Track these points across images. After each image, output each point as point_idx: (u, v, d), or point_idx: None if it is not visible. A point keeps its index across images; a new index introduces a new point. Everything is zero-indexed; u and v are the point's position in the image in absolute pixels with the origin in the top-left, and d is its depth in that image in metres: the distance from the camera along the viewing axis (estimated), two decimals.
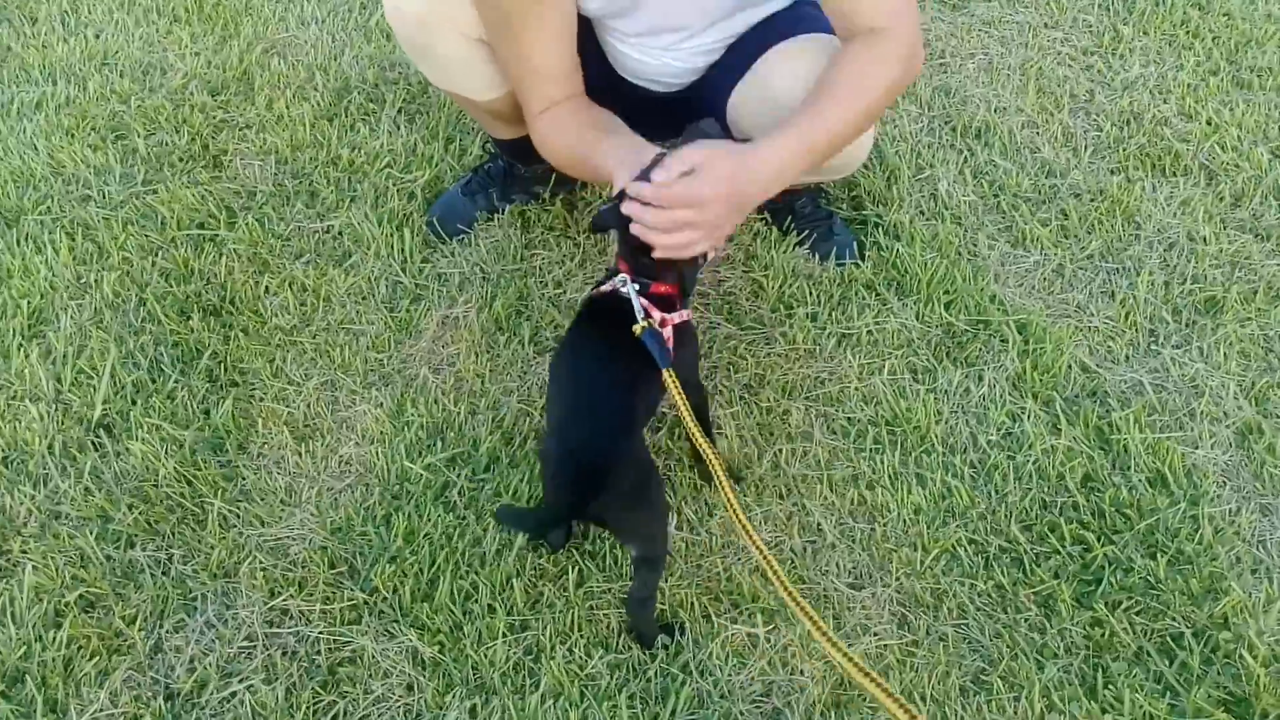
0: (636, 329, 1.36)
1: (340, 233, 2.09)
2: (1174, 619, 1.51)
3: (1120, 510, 1.64)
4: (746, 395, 1.80)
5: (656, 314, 1.39)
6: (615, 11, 1.73)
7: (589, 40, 1.83)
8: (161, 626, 1.53)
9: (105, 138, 2.32)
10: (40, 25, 2.69)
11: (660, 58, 1.77)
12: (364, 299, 1.97)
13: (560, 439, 1.37)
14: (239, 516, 1.64)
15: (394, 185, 2.17)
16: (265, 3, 2.78)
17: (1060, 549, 1.59)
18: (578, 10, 1.66)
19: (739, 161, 1.37)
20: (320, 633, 1.51)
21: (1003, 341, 1.88)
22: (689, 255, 1.39)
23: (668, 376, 1.32)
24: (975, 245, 2.06)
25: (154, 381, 1.83)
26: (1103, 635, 1.50)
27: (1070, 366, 1.84)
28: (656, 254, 1.38)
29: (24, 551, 1.60)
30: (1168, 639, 1.49)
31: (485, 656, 1.47)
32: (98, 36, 2.64)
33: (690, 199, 1.33)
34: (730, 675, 1.47)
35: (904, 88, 1.54)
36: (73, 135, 2.32)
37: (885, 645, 1.49)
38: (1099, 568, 1.57)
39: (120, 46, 2.60)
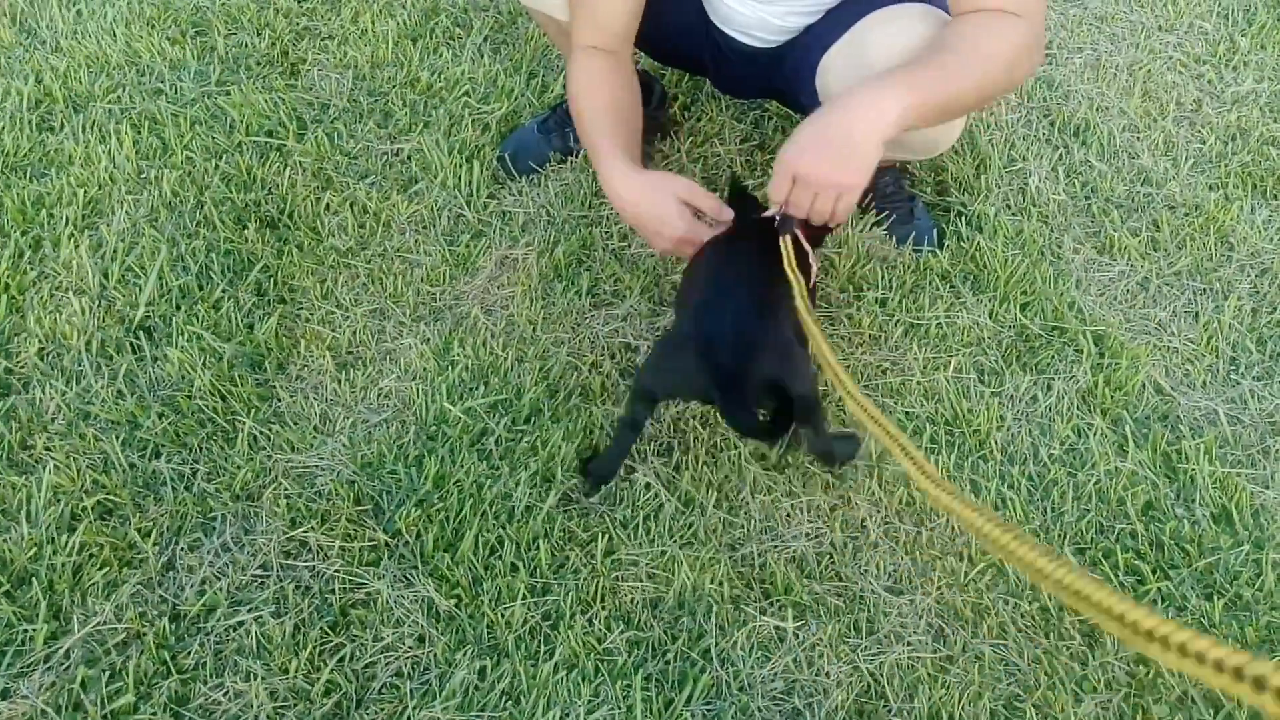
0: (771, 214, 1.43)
1: (409, 157, 1.98)
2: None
3: (1180, 544, 1.50)
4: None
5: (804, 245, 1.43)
6: None
7: None
8: (177, 543, 1.44)
9: (185, 31, 2.22)
10: None
11: (757, 11, 1.63)
12: (424, 228, 1.86)
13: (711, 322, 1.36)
14: (269, 439, 1.55)
15: (470, 115, 2.05)
16: None
17: (1113, 578, 1.46)
18: None
19: (821, 113, 1.33)
20: (336, 570, 1.41)
21: (1077, 351, 1.74)
22: (828, 217, 1.37)
23: (784, 241, 1.39)
24: (1060, 247, 1.90)
25: (201, 289, 1.74)
26: (1147, 674, 1.37)
27: (1144, 386, 1.70)
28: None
29: (47, 449, 1.52)
30: (1215, 689, 1.36)
31: (502, 617, 1.37)
32: None
33: (784, 171, 1.33)
34: (752, 668, 1.36)
35: (1025, 74, 1.40)
36: (153, 25, 2.22)
37: (918, 657, 1.37)
38: (1151, 602, 1.44)
39: None
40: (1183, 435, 1.64)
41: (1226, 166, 2.09)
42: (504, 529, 1.46)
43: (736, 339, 1.32)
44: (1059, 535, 1.50)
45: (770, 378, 1.34)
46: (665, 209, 1.49)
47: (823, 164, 1.31)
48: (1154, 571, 1.47)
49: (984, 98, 1.41)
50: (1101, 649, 1.39)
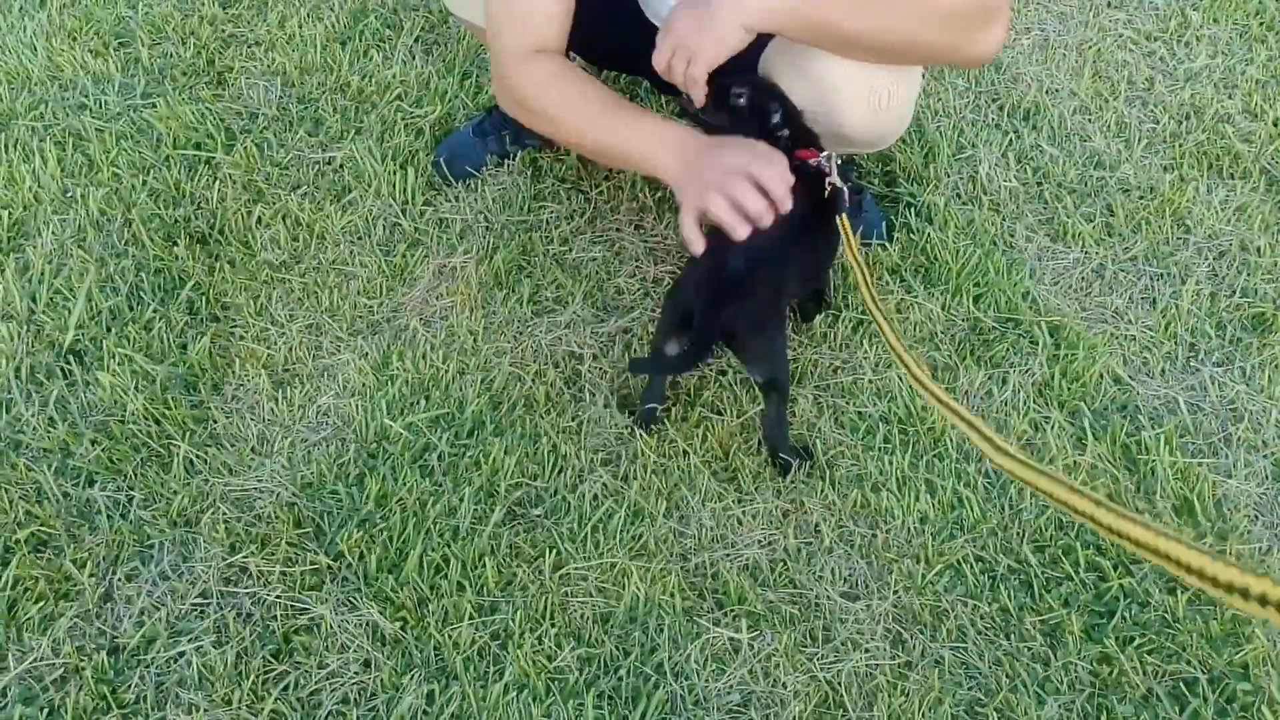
0: (831, 184, 1.50)
1: (341, 166, 1.98)
2: (1189, 662, 1.40)
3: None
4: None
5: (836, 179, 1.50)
6: None
7: None
8: (114, 573, 1.44)
9: (108, 43, 2.20)
10: None
11: None
12: (359, 239, 1.86)
13: (712, 259, 1.43)
14: (206, 463, 1.55)
15: (402, 119, 2.05)
16: None
17: (1073, 575, 1.49)
18: None
19: None
20: (278, 596, 1.42)
21: (1032, 343, 1.76)
22: (682, 74, 1.41)
23: (842, 222, 1.48)
24: (1012, 236, 1.93)
25: (131, 309, 1.73)
26: (1110, 673, 1.40)
27: (1102, 376, 1.72)
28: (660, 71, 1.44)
29: None
30: (1180, 684, 1.39)
31: (449, 638, 1.38)
32: None
33: (661, 33, 1.41)
34: (707, 681, 1.37)
35: (962, 43, 1.38)
36: (74, 38, 2.21)
37: (876, 664, 1.39)
38: (1113, 599, 1.46)
39: None
40: (1142, 426, 1.66)
41: (1181, 146, 2.12)
42: (449, 547, 1.47)
43: (732, 281, 1.42)
44: (1018, 533, 1.52)
45: (738, 347, 1.49)
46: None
47: (683, 23, 1.38)
48: (1115, 568, 1.49)
49: (886, 45, 1.40)
50: (1064, 649, 1.41)
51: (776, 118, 1.50)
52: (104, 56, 2.17)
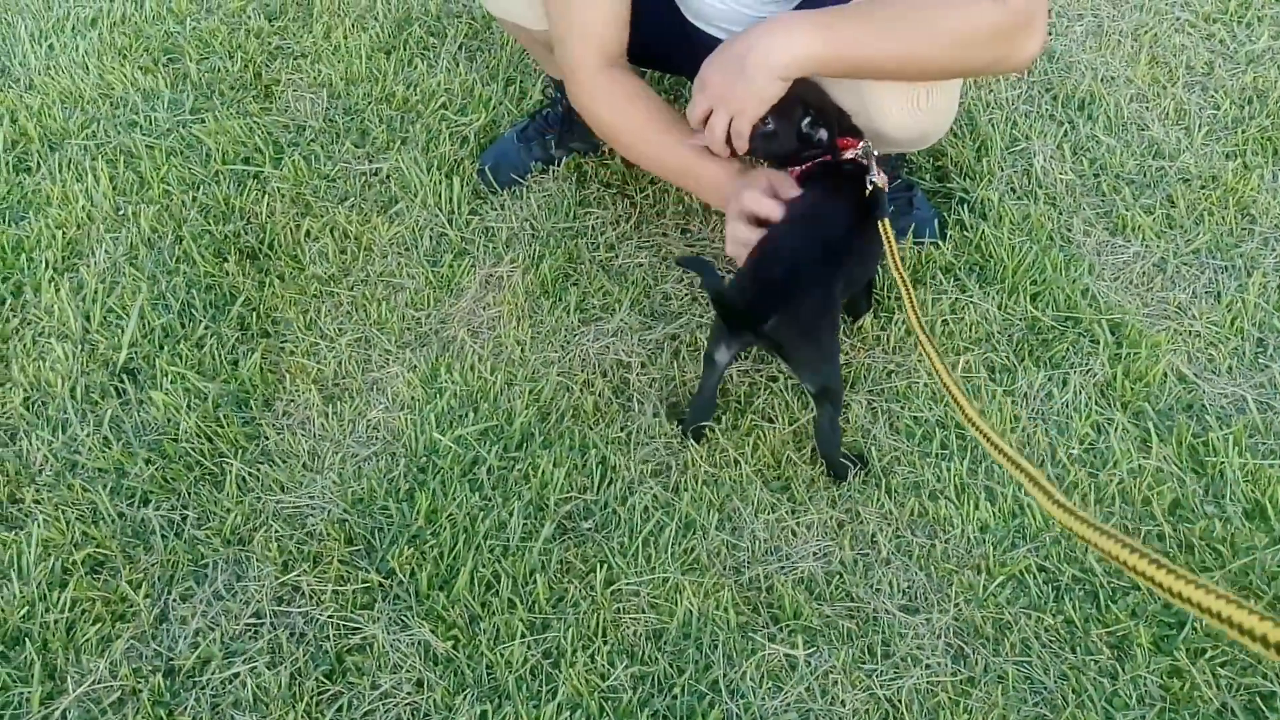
0: (871, 183, 1.46)
1: (388, 177, 1.95)
2: (1265, 675, 1.33)
3: (1211, 545, 1.45)
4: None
5: (881, 179, 1.47)
6: None
7: None
8: (169, 594, 1.43)
9: (157, 60, 2.20)
10: None
11: (729, 3, 1.59)
12: (406, 250, 1.83)
13: (762, 256, 1.44)
14: (258, 480, 1.53)
15: (447, 128, 2.02)
16: None
17: (1140, 586, 1.42)
18: None
19: (735, 35, 1.38)
20: (330, 616, 1.39)
21: (1093, 342, 1.69)
22: (725, 133, 1.42)
23: (883, 226, 1.43)
24: (1070, 231, 1.85)
25: (183, 326, 1.72)
26: (1182, 687, 1.33)
27: (1166, 375, 1.65)
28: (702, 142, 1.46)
29: (36, 502, 1.50)
30: (1256, 698, 1.32)
31: (501, 657, 1.35)
32: None
33: (697, 85, 1.41)
34: (764, 700, 1.32)
35: (991, 63, 1.35)
36: (125, 56, 2.20)
37: (937, 681, 1.33)
38: (1182, 609, 1.39)
39: None
40: (1209, 426, 1.58)
41: (1244, 132, 2.03)
42: (499, 563, 1.43)
43: (777, 286, 1.40)
44: (1080, 542, 1.45)
45: (785, 354, 1.47)
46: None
47: (718, 80, 1.38)
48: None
49: (921, 72, 1.38)
50: (1132, 662, 1.34)
51: (805, 123, 1.46)
52: (153, 73, 2.16)
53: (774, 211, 1.44)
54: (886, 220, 1.44)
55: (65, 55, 2.20)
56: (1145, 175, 1.95)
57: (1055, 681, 1.34)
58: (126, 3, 2.34)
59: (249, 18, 2.30)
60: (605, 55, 1.54)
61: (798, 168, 1.52)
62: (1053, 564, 1.44)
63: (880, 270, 1.73)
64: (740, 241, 1.46)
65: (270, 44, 2.24)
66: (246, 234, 1.86)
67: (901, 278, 1.36)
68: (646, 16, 1.68)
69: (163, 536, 1.47)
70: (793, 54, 1.31)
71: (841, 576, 1.43)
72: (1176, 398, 1.63)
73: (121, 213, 1.89)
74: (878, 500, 1.50)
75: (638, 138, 1.57)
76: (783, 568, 1.44)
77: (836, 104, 1.51)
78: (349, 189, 1.93)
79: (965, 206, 1.88)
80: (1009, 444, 1.11)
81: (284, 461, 1.56)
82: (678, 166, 1.55)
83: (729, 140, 1.44)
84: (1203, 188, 1.93)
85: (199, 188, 1.93)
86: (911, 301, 1.33)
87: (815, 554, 1.45)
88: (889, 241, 1.42)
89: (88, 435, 1.58)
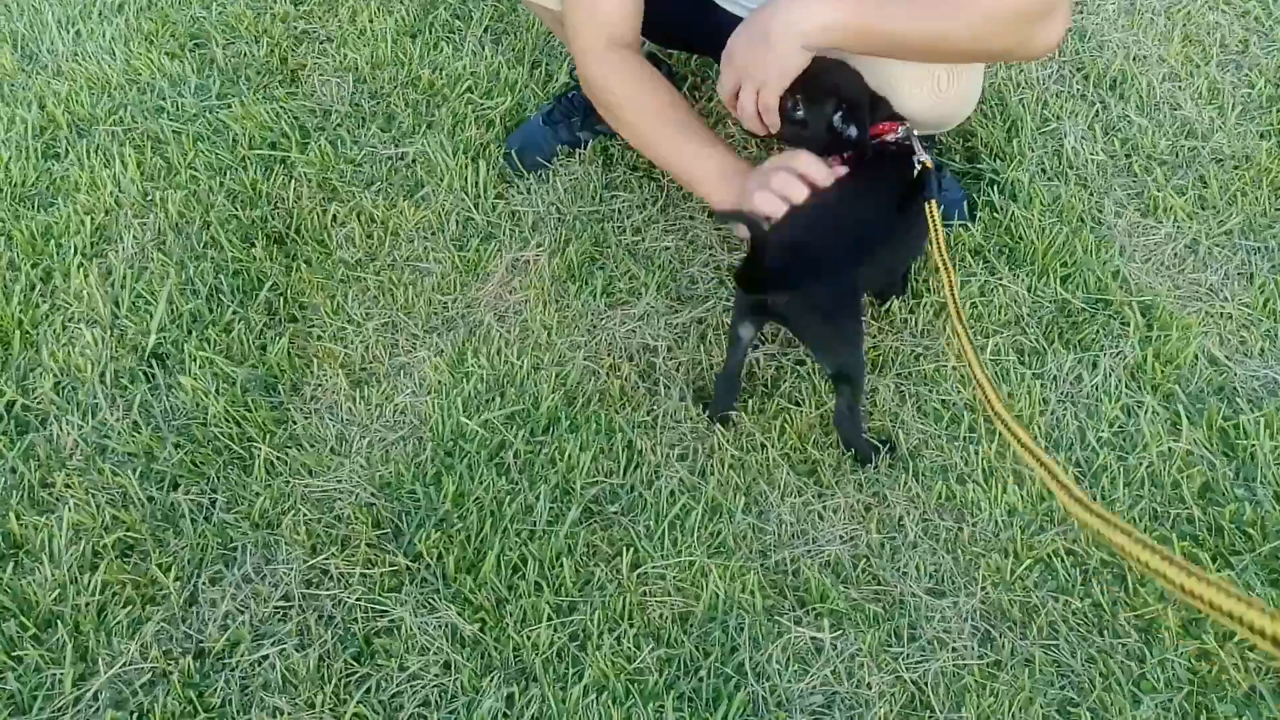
0: (920, 162, 1.45)
1: (414, 161, 1.95)
2: None
3: (1241, 528, 1.44)
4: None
5: (925, 157, 1.46)
6: None
7: None
8: (198, 577, 1.44)
9: (184, 45, 2.21)
10: None
11: None
12: (433, 234, 1.84)
13: (789, 229, 1.43)
14: (286, 464, 1.54)
15: (473, 112, 2.02)
16: None
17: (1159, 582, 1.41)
18: None
19: (759, 6, 1.38)
20: (358, 599, 1.40)
21: (1123, 324, 1.67)
22: (755, 108, 1.43)
23: (930, 208, 1.41)
24: (1100, 212, 1.83)
25: (211, 312, 1.73)
26: (1210, 671, 1.32)
27: (1197, 358, 1.63)
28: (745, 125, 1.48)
29: (67, 486, 1.52)
30: None
31: (528, 639, 1.36)
32: None
33: (725, 58, 1.42)
34: (790, 682, 1.33)
35: (1017, 44, 1.34)
36: (151, 41, 2.22)
37: (964, 664, 1.33)
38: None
39: None
40: (1240, 409, 1.57)
41: (1279, 111, 2.00)
42: (526, 547, 1.44)
43: (794, 263, 1.39)
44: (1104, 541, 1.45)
45: (798, 333, 1.49)
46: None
47: (742, 51, 1.39)
48: (1214, 559, 1.41)
49: (943, 51, 1.38)
50: (1159, 645, 1.34)
51: (837, 118, 1.46)
52: (180, 58, 2.17)
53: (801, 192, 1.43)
54: (934, 201, 1.43)
55: (92, 41, 2.21)
56: (1177, 155, 1.93)
57: (1082, 665, 1.33)
58: None
59: (274, 2, 2.31)
60: (616, 38, 1.54)
61: (836, 159, 1.51)
62: (1081, 547, 1.43)
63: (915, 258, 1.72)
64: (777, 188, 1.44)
65: (296, 28, 2.24)
66: (273, 219, 1.87)
67: (945, 264, 1.35)
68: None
69: (192, 520, 1.49)
70: (817, 21, 1.31)
71: (868, 560, 1.43)
72: (1207, 380, 1.61)
73: (149, 198, 1.90)
74: (905, 484, 1.50)
75: (642, 118, 1.56)
76: (809, 551, 1.44)
77: (874, 92, 1.50)
78: (375, 173, 1.94)
79: (995, 188, 1.86)
80: (1030, 436, 1.10)
81: (312, 446, 1.57)
82: (681, 153, 1.54)
83: (761, 119, 1.45)
84: (1236, 168, 1.91)
85: (226, 173, 1.94)
86: (953, 288, 1.33)
87: (842, 537, 1.45)
88: (935, 225, 1.41)
89: (117, 420, 1.59)
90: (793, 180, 1.43)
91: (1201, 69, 2.08)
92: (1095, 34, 2.15)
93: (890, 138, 1.48)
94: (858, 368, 1.47)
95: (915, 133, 1.49)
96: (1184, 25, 2.17)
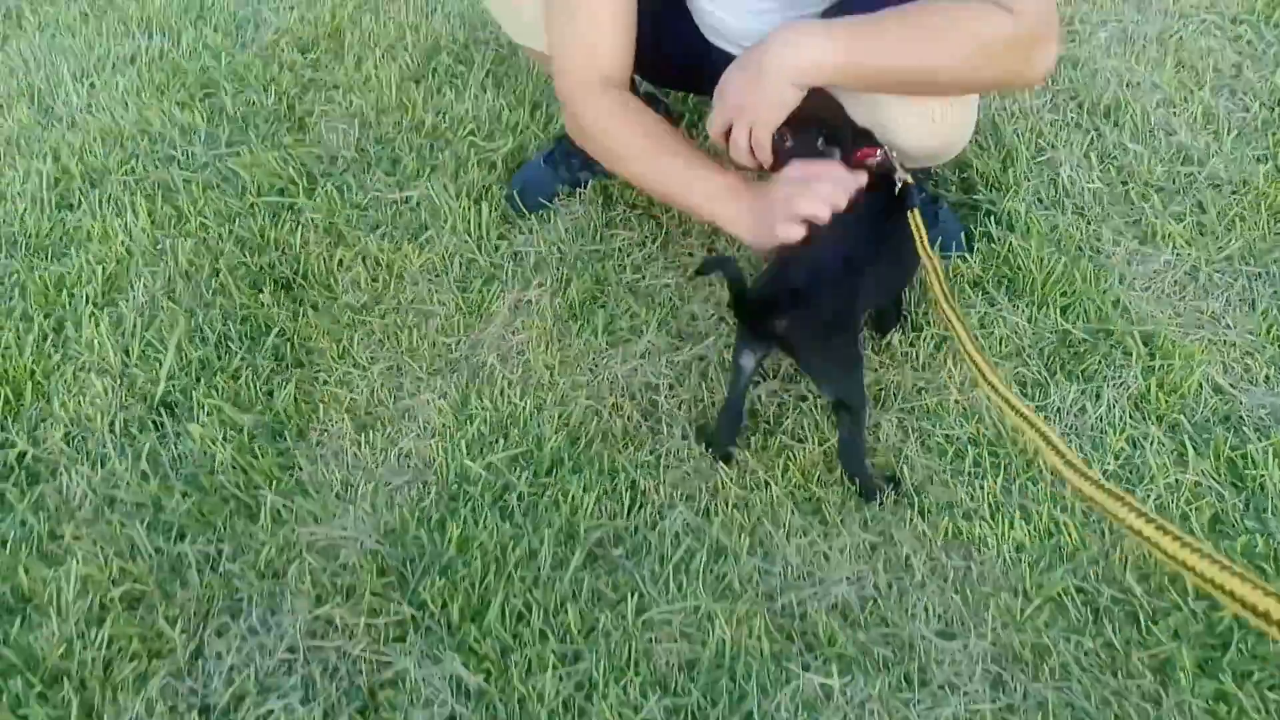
0: (901, 179, 1.39)
1: (418, 204, 1.89)
2: None
3: (1254, 562, 1.36)
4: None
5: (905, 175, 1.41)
6: None
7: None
8: (204, 629, 1.37)
9: (194, 95, 2.15)
10: None
11: (746, 22, 1.52)
12: (437, 277, 1.77)
13: (782, 257, 1.39)
14: (292, 511, 1.47)
15: (476, 154, 1.95)
16: None
17: (1182, 605, 1.32)
18: None
19: (752, 44, 1.33)
20: (363, 650, 1.33)
21: (1125, 354, 1.59)
22: (749, 143, 1.37)
23: (913, 216, 1.36)
24: (1099, 241, 1.75)
25: (219, 359, 1.66)
26: (1229, 712, 1.23)
27: (1201, 387, 1.54)
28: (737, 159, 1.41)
29: (75, 538, 1.45)
30: None
31: (533, 690, 1.28)
32: None
33: (715, 100, 1.38)
34: None
35: (1004, 75, 1.28)
36: (163, 92, 2.16)
37: (976, 709, 1.24)
38: (1227, 630, 1.29)
39: None
40: (1247, 438, 1.48)
41: (1275, 135, 1.92)
42: (530, 593, 1.36)
43: (794, 288, 1.34)
44: (1120, 560, 1.36)
45: (799, 359, 1.43)
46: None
47: (735, 90, 1.34)
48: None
49: (935, 84, 1.31)
50: (1176, 686, 1.25)
51: (820, 143, 1.39)
52: (190, 108, 2.11)
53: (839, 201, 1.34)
54: (917, 211, 1.37)
55: (105, 93, 2.16)
56: (1174, 182, 1.85)
57: (1097, 708, 1.24)
58: (164, 40, 2.30)
59: (283, 51, 2.25)
60: (606, 79, 1.47)
61: None
62: (1091, 585, 1.35)
63: (909, 287, 1.65)
64: (822, 197, 1.33)
65: (304, 77, 2.19)
66: (281, 265, 1.80)
67: (928, 254, 1.30)
68: (668, 37, 1.61)
69: (198, 571, 1.42)
70: (809, 58, 1.25)
71: (876, 601, 1.35)
72: (1213, 409, 1.53)
73: (160, 247, 1.84)
74: (911, 521, 1.42)
75: (635, 153, 1.48)
76: (816, 593, 1.36)
77: (852, 120, 1.44)
78: (380, 217, 1.87)
79: (992, 218, 1.78)
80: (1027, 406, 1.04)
81: (317, 492, 1.50)
82: (679, 178, 1.45)
83: (753, 154, 1.38)
84: (1234, 193, 1.82)
85: (235, 220, 1.88)
86: (938, 273, 1.28)
87: (849, 578, 1.37)
88: (919, 230, 1.35)
89: (126, 470, 1.52)
90: (816, 201, 1.34)
91: (1195, 94, 2.00)
92: (1088, 62, 2.08)
93: (870, 161, 1.42)
94: (857, 394, 1.40)
95: (894, 154, 1.43)
96: (1176, 51, 2.09)
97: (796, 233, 1.34)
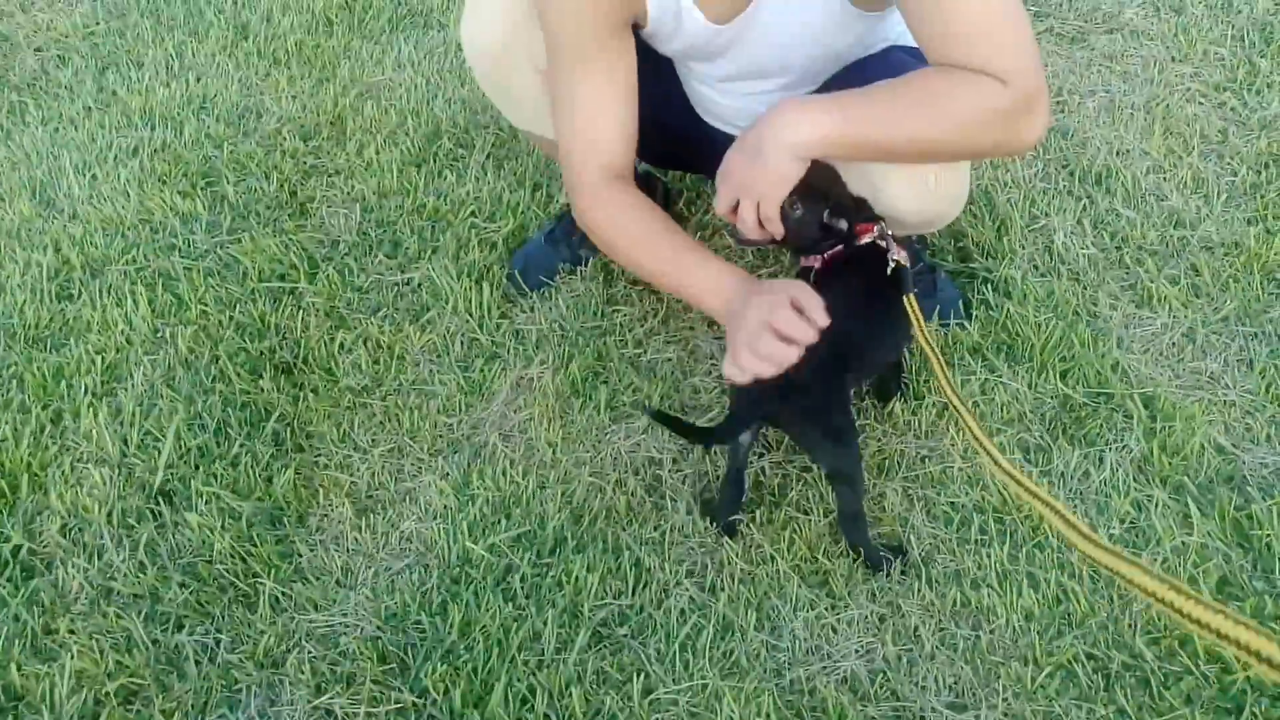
0: (898, 259, 1.40)
1: (419, 286, 1.90)
2: None
3: (1265, 623, 1.34)
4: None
5: (903, 256, 1.42)
6: (700, 56, 1.51)
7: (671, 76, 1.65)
8: None
9: (196, 184, 2.18)
10: (145, 70, 2.58)
11: (741, 102, 1.54)
12: (438, 357, 1.78)
13: None
14: (291, 599, 1.46)
15: (477, 235, 1.97)
16: (365, 45, 2.62)
17: (1193, 669, 1.30)
18: (658, 51, 1.48)
19: (753, 121, 1.34)
20: None
21: (1126, 417, 1.58)
22: (756, 219, 1.37)
23: (909, 301, 1.37)
24: (1095, 305, 1.76)
25: (219, 445, 1.66)
26: None
27: (1203, 448, 1.54)
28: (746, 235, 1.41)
29: (71, 631, 1.43)
30: None
31: None
32: (199, 80, 2.52)
33: (719, 181, 1.38)
34: None
35: (999, 143, 1.28)
36: (164, 182, 2.19)
37: None
38: (1239, 693, 1.27)
39: (219, 90, 2.47)
40: (1252, 498, 1.47)
41: (1263, 197, 1.94)
42: (534, 676, 1.34)
43: (793, 398, 1.35)
44: (1129, 625, 1.34)
45: (793, 435, 1.44)
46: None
47: (738, 170, 1.35)
48: (1239, 658, 1.30)
49: (930, 153, 1.32)
50: None
51: (826, 214, 1.40)
52: (192, 197, 2.14)
53: (806, 334, 1.28)
54: (913, 296, 1.38)
55: (107, 184, 2.19)
56: (1167, 245, 1.86)
57: None
58: (167, 130, 2.33)
59: (285, 139, 2.29)
60: (609, 169, 1.49)
61: (817, 258, 1.46)
62: (1101, 651, 1.33)
63: (907, 353, 1.65)
64: (763, 355, 1.28)
65: (305, 163, 2.22)
66: (281, 349, 1.81)
67: (930, 347, 1.30)
68: (666, 120, 1.64)
69: (196, 662, 1.40)
70: (809, 133, 1.27)
71: (885, 674, 1.33)
72: (1216, 470, 1.52)
73: (160, 335, 1.85)
74: (919, 591, 1.40)
75: (636, 246, 1.49)
76: (825, 668, 1.34)
77: (851, 193, 1.45)
78: (381, 299, 1.89)
79: (989, 286, 1.80)
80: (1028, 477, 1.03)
81: (317, 579, 1.48)
82: (676, 271, 1.46)
83: (762, 226, 1.39)
84: (1226, 255, 1.83)
85: (235, 306, 1.89)
86: (941, 366, 1.27)
87: (857, 651, 1.35)
88: (917, 317, 1.35)
89: (123, 561, 1.51)
90: (795, 320, 1.29)
91: (1184, 160, 2.02)
92: (1077, 131, 2.11)
93: (867, 239, 1.43)
94: (853, 466, 1.40)
95: (891, 232, 1.44)
96: (1164, 119, 2.12)
97: (739, 378, 1.31)
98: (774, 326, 1.27)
